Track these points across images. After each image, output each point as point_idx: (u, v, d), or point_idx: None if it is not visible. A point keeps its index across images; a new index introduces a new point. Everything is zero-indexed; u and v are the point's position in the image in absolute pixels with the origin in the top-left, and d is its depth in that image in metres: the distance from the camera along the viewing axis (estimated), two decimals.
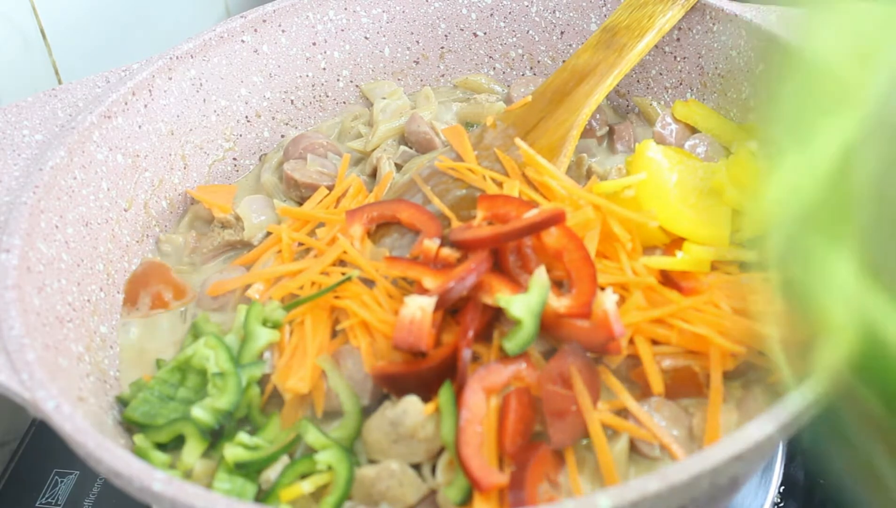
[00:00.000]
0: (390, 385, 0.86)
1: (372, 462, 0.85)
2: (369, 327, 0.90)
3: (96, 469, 0.74)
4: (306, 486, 0.82)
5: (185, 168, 1.18)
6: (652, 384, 0.85)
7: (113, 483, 0.73)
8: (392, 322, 0.88)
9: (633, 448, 0.84)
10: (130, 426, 0.90)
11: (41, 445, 1.15)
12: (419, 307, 0.84)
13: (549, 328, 0.87)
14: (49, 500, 1.08)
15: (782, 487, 1.05)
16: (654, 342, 0.88)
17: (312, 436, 0.85)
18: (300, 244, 1.04)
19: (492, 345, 0.87)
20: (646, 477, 0.66)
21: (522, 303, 0.84)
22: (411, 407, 0.82)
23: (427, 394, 0.84)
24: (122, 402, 0.92)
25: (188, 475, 0.85)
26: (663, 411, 0.85)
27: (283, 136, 1.27)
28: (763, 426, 0.68)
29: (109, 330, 1.01)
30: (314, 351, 0.90)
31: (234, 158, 1.24)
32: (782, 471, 1.04)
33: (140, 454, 0.85)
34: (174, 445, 0.88)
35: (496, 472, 0.78)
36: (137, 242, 1.11)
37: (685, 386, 0.87)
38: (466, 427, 0.80)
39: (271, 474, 0.83)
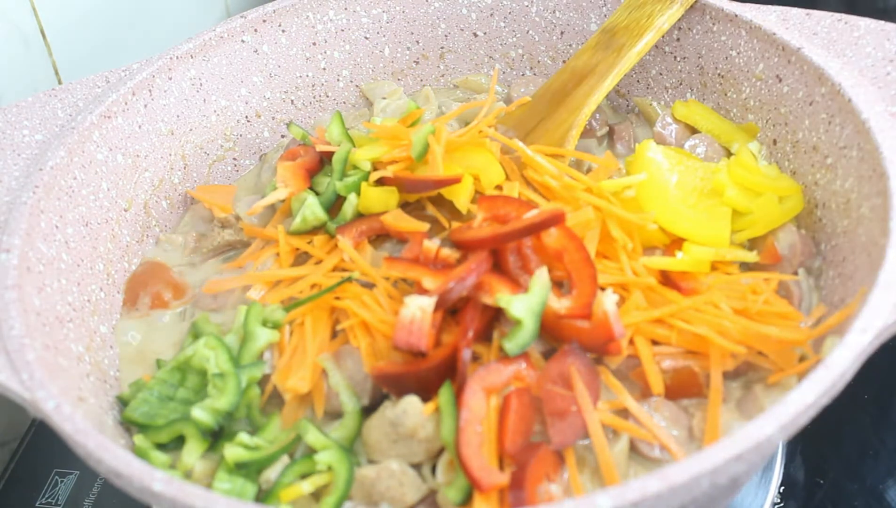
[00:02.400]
0: (390, 385, 0.86)
1: (372, 462, 0.85)
2: (369, 327, 0.90)
3: (96, 469, 0.74)
4: (306, 487, 0.82)
5: (185, 168, 1.18)
6: (651, 384, 0.85)
7: (113, 483, 0.73)
8: (392, 322, 0.88)
9: (633, 448, 0.84)
10: (130, 427, 0.90)
11: (41, 445, 1.15)
12: (419, 308, 0.84)
13: (549, 328, 0.87)
14: (49, 500, 1.08)
15: (782, 487, 1.05)
16: (654, 343, 0.88)
17: (312, 436, 0.84)
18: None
19: (492, 345, 0.87)
20: (646, 477, 0.66)
21: (523, 303, 0.84)
22: (411, 407, 0.82)
23: (427, 394, 0.84)
24: (123, 402, 0.92)
25: (188, 475, 0.85)
26: (663, 411, 0.85)
27: (283, 136, 1.27)
28: (763, 426, 0.68)
29: (109, 330, 1.01)
30: (314, 351, 0.90)
31: (234, 158, 1.24)
32: (782, 471, 1.04)
33: (140, 454, 0.85)
34: (174, 445, 0.88)
35: (497, 472, 0.78)
36: (137, 242, 1.11)
37: (685, 387, 0.87)
38: (466, 428, 0.80)
39: (271, 474, 0.83)
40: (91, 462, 0.74)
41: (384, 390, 0.87)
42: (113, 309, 1.04)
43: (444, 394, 0.82)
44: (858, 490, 1.09)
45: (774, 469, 1.04)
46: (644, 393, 0.87)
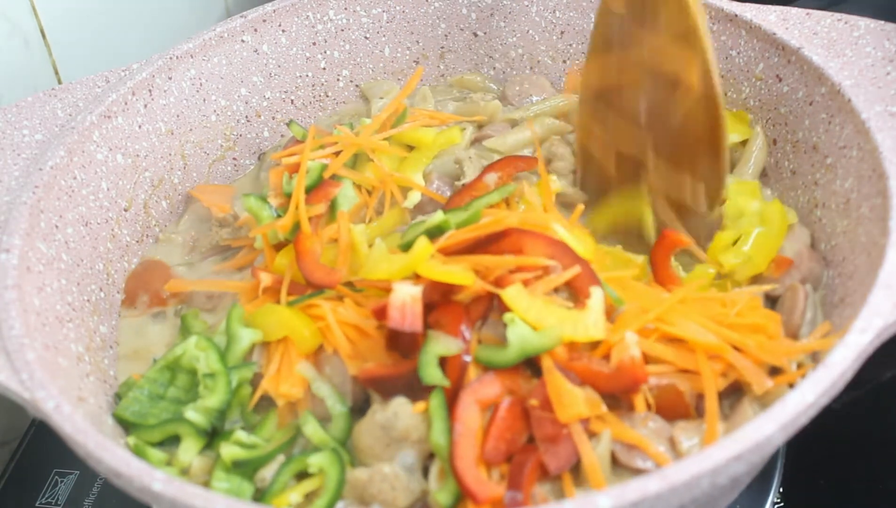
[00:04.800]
0: (378, 387, 0.85)
1: (364, 465, 0.85)
2: (346, 330, 0.89)
3: (96, 469, 0.74)
4: (294, 497, 0.82)
5: (184, 168, 1.18)
6: (636, 403, 0.82)
7: (113, 483, 0.73)
8: (363, 327, 0.88)
9: (617, 460, 0.81)
10: (126, 426, 0.90)
11: (41, 445, 1.15)
12: (408, 295, 0.84)
13: (560, 367, 0.83)
14: (49, 500, 1.08)
15: (782, 487, 1.05)
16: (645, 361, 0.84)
17: (311, 428, 0.85)
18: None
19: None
20: (646, 477, 0.66)
21: (520, 334, 0.82)
22: (402, 410, 0.82)
23: (415, 395, 0.83)
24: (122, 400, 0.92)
25: (185, 472, 0.85)
26: (647, 423, 0.82)
27: (282, 135, 1.27)
28: (763, 426, 0.68)
29: (109, 330, 1.01)
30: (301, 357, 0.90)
31: (234, 158, 1.24)
32: (782, 471, 1.04)
33: (137, 451, 0.85)
34: (168, 442, 0.88)
35: (493, 484, 0.77)
36: (137, 242, 1.11)
37: (671, 407, 0.83)
38: (460, 441, 0.79)
39: (267, 473, 0.84)
40: (91, 462, 0.74)
41: (371, 391, 0.86)
42: (113, 309, 1.04)
43: (435, 399, 0.81)
44: (858, 490, 1.09)
45: (774, 469, 1.04)
46: (629, 408, 0.84)
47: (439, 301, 0.86)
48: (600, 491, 0.66)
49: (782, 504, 1.06)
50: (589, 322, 0.83)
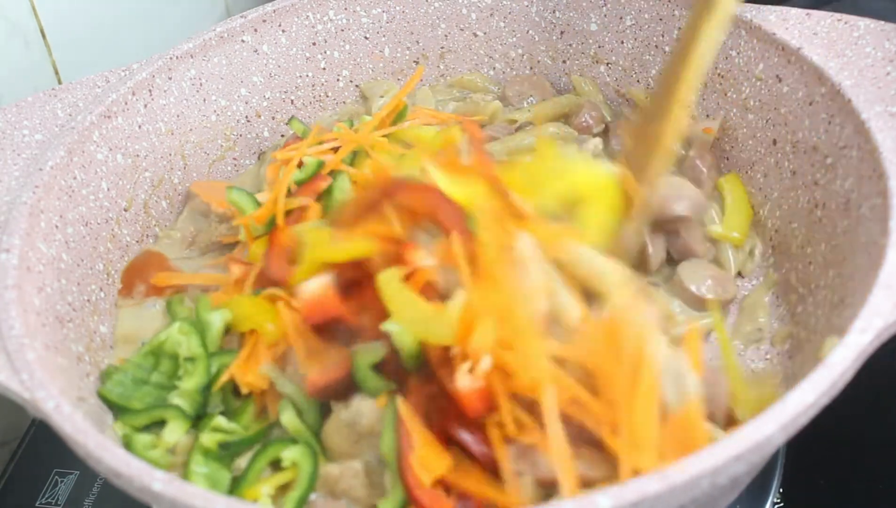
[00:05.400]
0: (330, 394, 0.85)
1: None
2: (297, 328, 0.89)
3: (96, 469, 0.74)
4: (266, 489, 0.82)
5: (184, 168, 1.18)
6: (489, 432, 0.77)
7: (113, 483, 0.73)
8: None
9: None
10: (111, 410, 0.91)
11: (41, 445, 1.15)
12: (316, 287, 0.85)
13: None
14: (49, 500, 1.08)
15: (782, 487, 1.05)
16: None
17: (287, 417, 0.86)
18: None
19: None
20: (646, 477, 0.66)
21: (393, 330, 0.80)
22: (364, 406, 0.82)
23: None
24: None
25: (171, 451, 0.87)
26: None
27: (282, 135, 1.27)
28: (763, 426, 0.68)
29: (109, 330, 1.01)
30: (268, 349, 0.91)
31: (234, 158, 1.24)
32: (782, 471, 1.04)
33: (125, 440, 0.87)
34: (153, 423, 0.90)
35: (444, 498, 0.77)
36: (137, 242, 1.11)
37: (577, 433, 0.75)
38: (409, 455, 0.77)
39: (243, 462, 0.85)
40: (91, 462, 0.74)
41: (326, 400, 0.86)
42: (113, 309, 1.04)
43: (388, 411, 0.80)
44: (858, 490, 1.09)
45: (775, 469, 1.04)
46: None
47: (360, 276, 0.85)
48: (600, 491, 0.66)
49: (782, 504, 1.06)
50: (442, 323, 0.77)
